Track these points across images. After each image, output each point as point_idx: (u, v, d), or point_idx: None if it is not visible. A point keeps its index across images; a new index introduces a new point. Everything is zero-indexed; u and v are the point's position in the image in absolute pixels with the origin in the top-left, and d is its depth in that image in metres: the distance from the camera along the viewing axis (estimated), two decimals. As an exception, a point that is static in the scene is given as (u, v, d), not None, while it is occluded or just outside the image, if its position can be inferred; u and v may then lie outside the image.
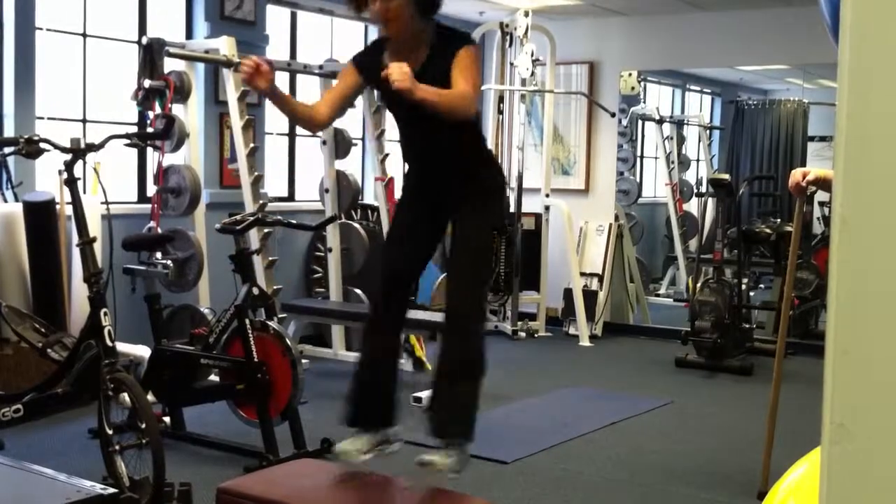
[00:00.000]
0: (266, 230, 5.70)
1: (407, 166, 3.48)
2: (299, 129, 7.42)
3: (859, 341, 0.92)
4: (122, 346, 4.28)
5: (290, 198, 7.41)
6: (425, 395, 5.40)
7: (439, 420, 3.14)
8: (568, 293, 7.96)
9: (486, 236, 3.42)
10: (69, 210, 3.81)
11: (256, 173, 5.84)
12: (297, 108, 3.34)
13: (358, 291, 6.83)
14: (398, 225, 3.44)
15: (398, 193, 7.20)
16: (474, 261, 3.25)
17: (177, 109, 5.82)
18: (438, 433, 3.11)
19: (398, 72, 2.86)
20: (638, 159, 9.81)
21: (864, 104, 0.92)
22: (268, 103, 6.82)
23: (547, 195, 7.97)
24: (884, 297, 0.91)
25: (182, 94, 5.79)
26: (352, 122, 7.09)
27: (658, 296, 9.71)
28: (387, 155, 6.75)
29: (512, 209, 7.70)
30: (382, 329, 3.34)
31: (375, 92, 6.66)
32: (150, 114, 5.72)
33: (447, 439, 3.09)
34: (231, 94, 5.82)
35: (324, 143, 6.70)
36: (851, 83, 0.92)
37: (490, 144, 8.01)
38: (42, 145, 3.64)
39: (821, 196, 7.67)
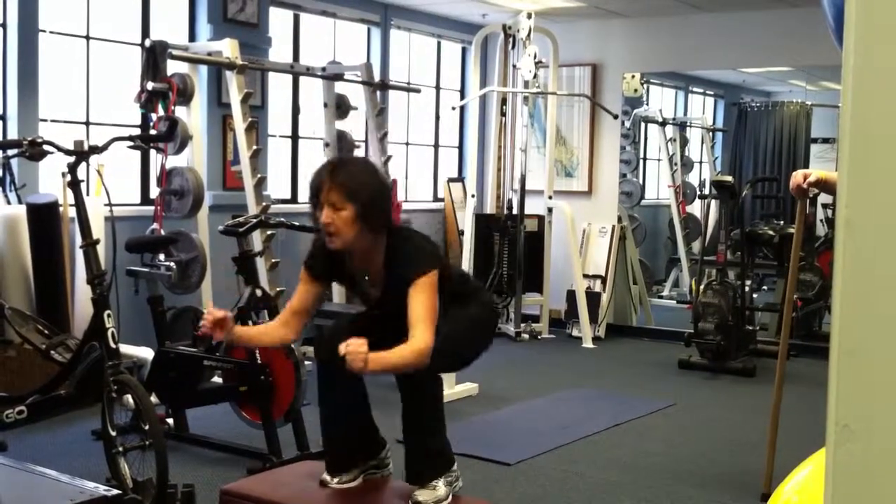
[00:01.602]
0: (269, 232, 5.70)
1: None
2: (302, 132, 7.43)
3: (864, 342, 0.92)
4: (125, 348, 4.29)
5: (293, 200, 7.42)
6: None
7: (415, 473, 3.12)
8: (571, 295, 7.96)
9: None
10: (72, 212, 3.81)
11: (259, 175, 5.85)
12: (264, 339, 3.27)
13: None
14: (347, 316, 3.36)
15: (400, 195, 7.18)
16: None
17: (180, 112, 5.82)
18: (418, 482, 3.09)
19: (354, 353, 2.72)
20: (641, 161, 9.81)
21: (868, 106, 0.92)
22: (270, 105, 6.85)
23: (550, 197, 7.97)
24: (889, 299, 0.91)
25: (185, 96, 5.79)
26: (355, 124, 7.10)
27: (661, 297, 9.71)
28: (390, 157, 6.75)
29: (515, 211, 7.70)
30: (339, 384, 3.18)
31: (377, 94, 6.69)
32: (154, 116, 5.73)
33: (428, 482, 3.08)
34: (234, 96, 5.82)
35: (326, 145, 6.71)
36: (856, 85, 0.92)
37: (493, 147, 8.02)
38: (45, 147, 3.65)
39: (824, 198, 7.65)
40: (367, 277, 3.12)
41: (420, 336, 2.87)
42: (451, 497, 3.08)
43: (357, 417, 3.22)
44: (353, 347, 2.72)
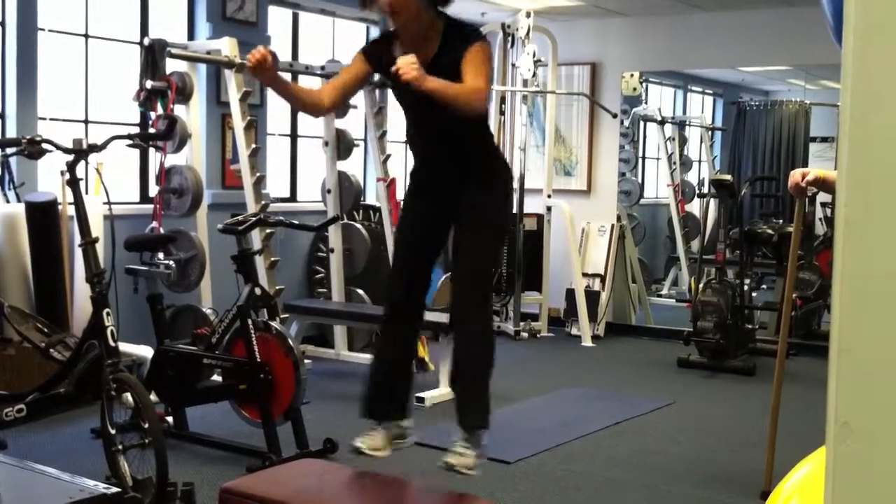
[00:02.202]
0: (268, 231, 5.70)
1: (415, 161, 3.49)
2: (301, 130, 7.43)
3: (863, 340, 0.92)
4: (124, 347, 4.28)
5: (292, 198, 7.42)
6: (428, 395, 5.42)
7: (459, 413, 3.34)
8: (570, 294, 7.96)
9: (490, 239, 3.41)
10: (71, 210, 3.81)
11: (258, 174, 5.85)
12: (299, 95, 3.37)
13: (360, 292, 6.84)
14: (405, 227, 3.47)
15: (401, 192, 7.18)
16: (476, 266, 3.31)
17: (179, 110, 5.82)
18: (459, 423, 3.31)
19: (407, 64, 2.86)
20: (640, 160, 9.81)
21: (867, 105, 0.92)
22: (269, 103, 6.84)
23: (549, 196, 7.97)
24: (888, 297, 0.91)
25: (184, 94, 5.79)
26: (354, 122, 7.09)
27: (660, 296, 9.71)
28: (389, 156, 6.75)
29: (514, 210, 7.70)
30: (395, 335, 3.48)
31: (376, 92, 6.70)
32: (152, 114, 5.73)
33: (466, 429, 3.29)
34: (233, 94, 5.82)
35: (326, 143, 6.70)
36: (855, 83, 0.93)
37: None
38: (44, 146, 3.64)
39: (823, 197, 7.66)
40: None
41: (478, 80, 3.02)
42: (478, 463, 3.27)
43: (402, 369, 3.47)
44: (405, 60, 2.85)
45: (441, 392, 5.40)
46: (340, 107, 3.52)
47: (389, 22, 3.16)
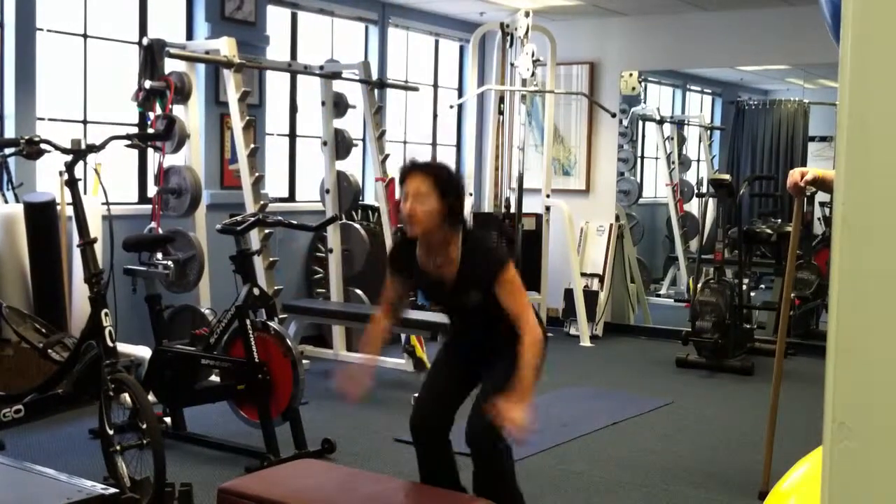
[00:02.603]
0: (267, 231, 5.70)
1: (450, 325, 3.60)
2: (300, 130, 7.43)
3: (861, 340, 0.92)
4: (122, 347, 4.28)
5: (291, 198, 7.41)
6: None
7: None
8: (569, 293, 7.96)
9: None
10: (70, 211, 3.81)
11: (257, 174, 5.84)
12: (379, 342, 3.45)
13: (359, 292, 6.84)
14: (433, 381, 3.49)
15: (397, 193, 7.19)
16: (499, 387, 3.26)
17: (177, 110, 5.82)
18: None
19: (512, 416, 2.94)
20: (638, 159, 9.81)
21: (865, 104, 0.92)
22: (268, 103, 6.84)
23: (548, 195, 7.97)
24: (885, 297, 0.91)
25: (183, 94, 5.79)
26: (352, 122, 7.09)
27: (659, 296, 9.71)
28: (387, 155, 6.75)
29: (513, 209, 7.70)
30: (431, 457, 3.40)
31: (375, 92, 6.70)
32: (151, 115, 5.72)
33: None
34: (231, 94, 5.81)
35: (324, 143, 6.70)
36: (853, 83, 0.92)
37: (490, 145, 8.01)
38: (43, 146, 3.64)
39: (821, 196, 7.67)
40: (440, 272, 3.26)
41: (528, 327, 3.11)
42: None
43: (452, 480, 3.40)
44: (512, 415, 2.93)
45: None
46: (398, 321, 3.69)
47: (406, 228, 3.22)
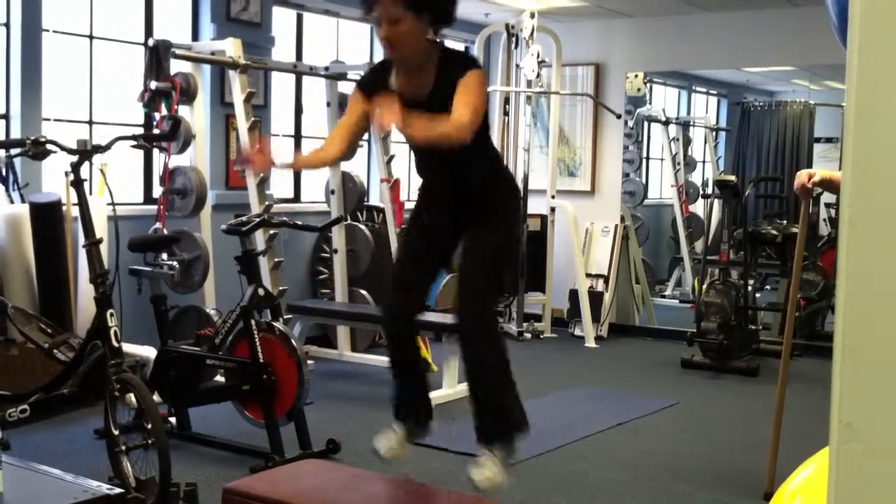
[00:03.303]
0: (272, 231, 5.70)
1: (421, 181, 3.50)
2: (305, 131, 7.43)
3: (867, 341, 0.92)
4: (128, 347, 4.29)
5: (296, 199, 7.42)
6: (431, 395, 5.40)
7: (479, 428, 3.27)
8: (573, 294, 7.96)
9: (497, 244, 3.32)
10: (75, 211, 3.81)
11: (262, 175, 5.85)
12: (311, 163, 3.46)
13: (363, 292, 6.84)
14: (409, 246, 3.46)
15: (403, 194, 7.19)
16: (479, 271, 3.24)
17: (183, 111, 5.82)
18: (481, 440, 3.24)
19: (386, 114, 2.82)
20: (644, 161, 9.81)
21: (872, 105, 0.92)
22: (273, 104, 6.85)
23: (553, 196, 7.97)
24: (892, 298, 0.91)
25: (188, 95, 5.79)
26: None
27: (664, 297, 9.70)
28: (392, 156, 6.75)
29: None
30: (399, 341, 3.46)
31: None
32: (157, 115, 5.73)
33: (490, 444, 3.23)
34: (237, 95, 5.82)
35: (329, 144, 6.70)
36: (860, 84, 0.92)
37: (496, 146, 8.00)
38: (48, 147, 3.65)
39: (827, 197, 7.65)
40: (417, 91, 3.12)
41: (463, 113, 2.92)
42: (504, 476, 3.18)
43: (415, 372, 3.50)
44: (385, 108, 2.81)
45: (444, 392, 5.40)
46: (351, 151, 3.50)
47: (386, 52, 3.12)
